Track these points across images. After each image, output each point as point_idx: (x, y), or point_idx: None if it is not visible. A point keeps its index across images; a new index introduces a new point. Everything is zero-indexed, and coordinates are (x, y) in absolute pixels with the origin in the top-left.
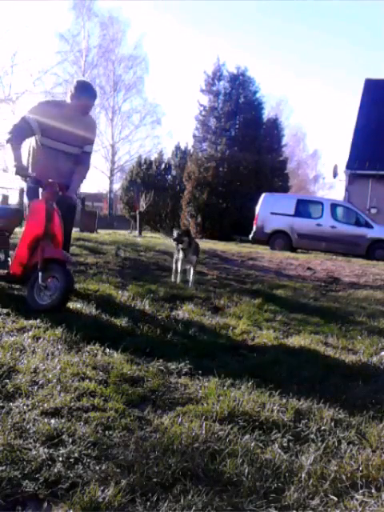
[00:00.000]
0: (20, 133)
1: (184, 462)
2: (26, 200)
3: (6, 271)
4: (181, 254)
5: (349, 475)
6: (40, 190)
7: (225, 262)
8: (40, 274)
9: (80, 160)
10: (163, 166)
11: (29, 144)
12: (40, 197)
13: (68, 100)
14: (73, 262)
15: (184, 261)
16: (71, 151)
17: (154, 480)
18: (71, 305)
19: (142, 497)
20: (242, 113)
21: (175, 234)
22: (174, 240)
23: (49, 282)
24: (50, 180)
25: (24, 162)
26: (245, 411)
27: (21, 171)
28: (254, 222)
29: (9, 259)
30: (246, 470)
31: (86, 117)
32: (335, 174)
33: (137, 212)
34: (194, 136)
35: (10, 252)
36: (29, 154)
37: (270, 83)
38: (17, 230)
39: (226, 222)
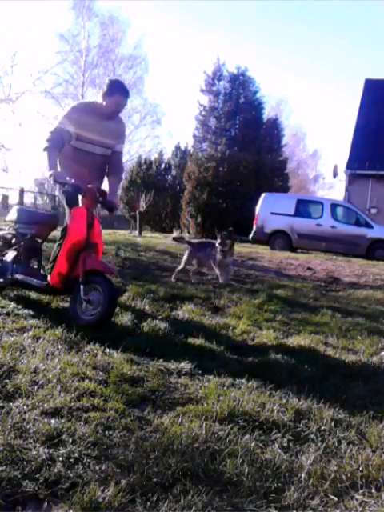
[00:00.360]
0: (58, 141)
1: (184, 462)
2: (66, 209)
3: (44, 283)
4: (219, 256)
5: (349, 475)
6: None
7: None
8: (82, 287)
9: (113, 161)
10: (163, 166)
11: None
12: (79, 203)
13: (99, 100)
14: (115, 273)
15: (223, 262)
16: (104, 153)
17: (154, 480)
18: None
19: (142, 497)
20: (242, 113)
21: (220, 237)
22: (220, 244)
23: (91, 295)
24: (90, 185)
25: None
26: (245, 411)
27: (59, 178)
28: (254, 222)
29: (41, 269)
30: (246, 470)
31: (116, 116)
32: (335, 174)
33: (137, 212)
34: (194, 136)
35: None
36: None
37: (269, 83)
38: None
39: (226, 222)
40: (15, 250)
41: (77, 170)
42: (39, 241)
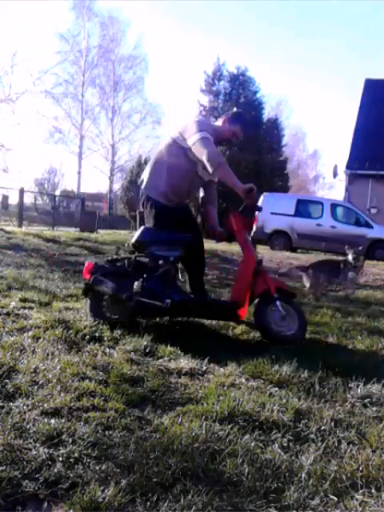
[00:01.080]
0: None
1: (184, 461)
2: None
3: (233, 307)
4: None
5: (349, 475)
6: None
7: (225, 261)
8: (278, 302)
9: (211, 189)
10: None
11: (167, 162)
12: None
13: (219, 123)
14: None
15: (354, 277)
16: (205, 177)
17: (154, 480)
18: (71, 305)
19: (142, 497)
20: None
21: (352, 255)
22: (353, 259)
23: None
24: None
25: (157, 179)
26: (245, 411)
27: (250, 195)
28: (254, 222)
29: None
30: (246, 470)
31: (221, 145)
32: (335, 174)
33: (137, 212)
34: None
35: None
36: (163, 172)
37: (269, 83)
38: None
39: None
40: (160, 273)
41: (183, 189)
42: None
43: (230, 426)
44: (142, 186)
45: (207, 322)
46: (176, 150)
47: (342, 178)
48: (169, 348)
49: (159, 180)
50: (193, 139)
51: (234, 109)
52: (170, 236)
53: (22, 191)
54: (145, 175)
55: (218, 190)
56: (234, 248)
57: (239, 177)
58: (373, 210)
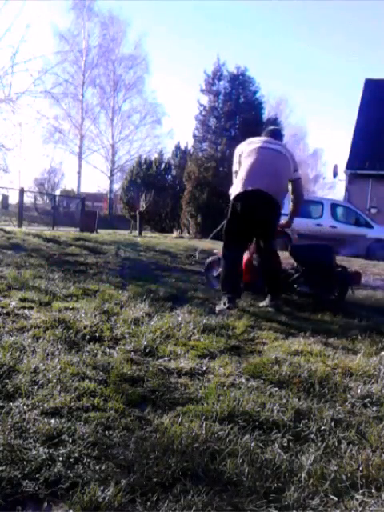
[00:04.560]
0: None
1: (184, 461)
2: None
3: None
4: None
5: (349, 475)
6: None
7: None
8: None
9: None
10: (163, 166)
11: (284, 176)
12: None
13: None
14: None
15: None
16: None
17: (154, 480)
18: (71, 305)
19: (142, 497)
20: (242, 113)
21: None
22: None
23: None
24: None
25: (280, 187)
26: (245, 411)
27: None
28: None
29: None
30: (246, 470)
31: None
32: (335, 174)
33: (137, 212)
34: (194, 136)
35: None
36: (284, 183)
37: (269, 83)
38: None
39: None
40: None
41: None
42: None
43: (230, 426)
44: (263, 188)
45: (207, 322)
46: (289, 173)
47: (342, 177)
48: (169, 348)
49: (282, 189)
50: (298, 175)
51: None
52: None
53: (21, 191)
54: (267, 180)
55: (219, 190)
56: None
57: None
58: (373, 210)
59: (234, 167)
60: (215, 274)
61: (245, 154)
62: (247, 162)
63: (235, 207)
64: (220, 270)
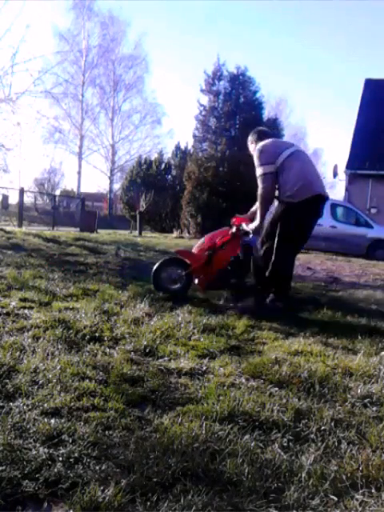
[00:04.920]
0: None
1: (184, 461)
2: None
3: None
4: None
5: (349, 475)
6: None
7: None
8: None
9: None
10: (163, 166)
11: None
12: None
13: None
14: None
15: None
16: None
17: (154, 480)
18: (71, 305)
19: (142, 497)
20: (242, 113)
21: None
22: None
23: None
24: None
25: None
26: (245, 411)
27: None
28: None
29: None
30: (246, 470)
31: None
32: (335, 174)
33: (137, 212)
34: (194, 136)
35: None
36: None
37: (270, 83)
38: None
39: (226, 222)
40: None
41: None
42: None
43: (230, 426)
44: (320, 186)
45: (207, 322)
46: None
47: (342, 177)
48: (169, 348)
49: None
50: None
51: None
52: None
53: (21, 191)
54: (317, 176)
55: (219, 190)
56: None
57: (239, 177)
58: (373, 210)
59: (270, 168)
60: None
61: (284, 155)
62: (299, 165)
63: (309, 210)
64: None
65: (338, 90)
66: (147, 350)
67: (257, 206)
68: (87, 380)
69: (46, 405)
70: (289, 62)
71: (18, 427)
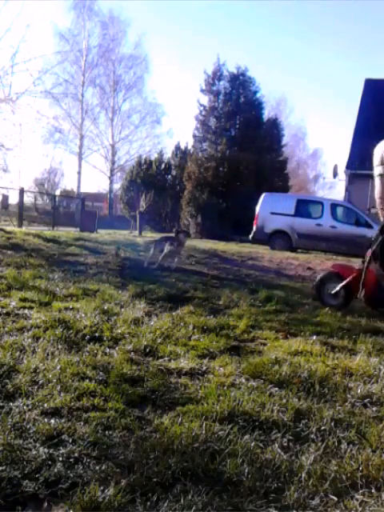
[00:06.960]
0: None
1: (184, 461)
2: None
3: None
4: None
5: (349, 475)
6: None
7: (225, 261)
8: None
9: None
10: (163, 166)
11: None
12: None
13: None
14: None
15: (172, 249)
16: None
17: (154, 480)
18: (71, 305)
19: (142, 497)
20: (242, 113)
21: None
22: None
23: None
24: None
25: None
26: (245, 411)
27: None
28: (254, 222)
29: None
30: (246, 470)
31: None
32: (335, 174)
33: (137, 212)
34: (194, 136)
35: None
36: None
37: (270, 83)
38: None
39: (226, 222)
40: None
41: None
42: None
43: (229, 426)
44: None
45: (207, 322)
46: None
47: (342, 177)
48: (169, 348)
49: None
50: None
51: None
52: None
53: (21, 191)
54: None
55: (219, 190)
56: (233, 248)
57: (239, 177)
58: (373, 210)
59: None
60: (332, 291)
61: None
62: None
63: None
64: (338, 287)
65: (338, 89)
66: (147, 350)
67: None
68: (87, 380)
69: (45, 405)
70: (289, 62)
71: (18, 427)
